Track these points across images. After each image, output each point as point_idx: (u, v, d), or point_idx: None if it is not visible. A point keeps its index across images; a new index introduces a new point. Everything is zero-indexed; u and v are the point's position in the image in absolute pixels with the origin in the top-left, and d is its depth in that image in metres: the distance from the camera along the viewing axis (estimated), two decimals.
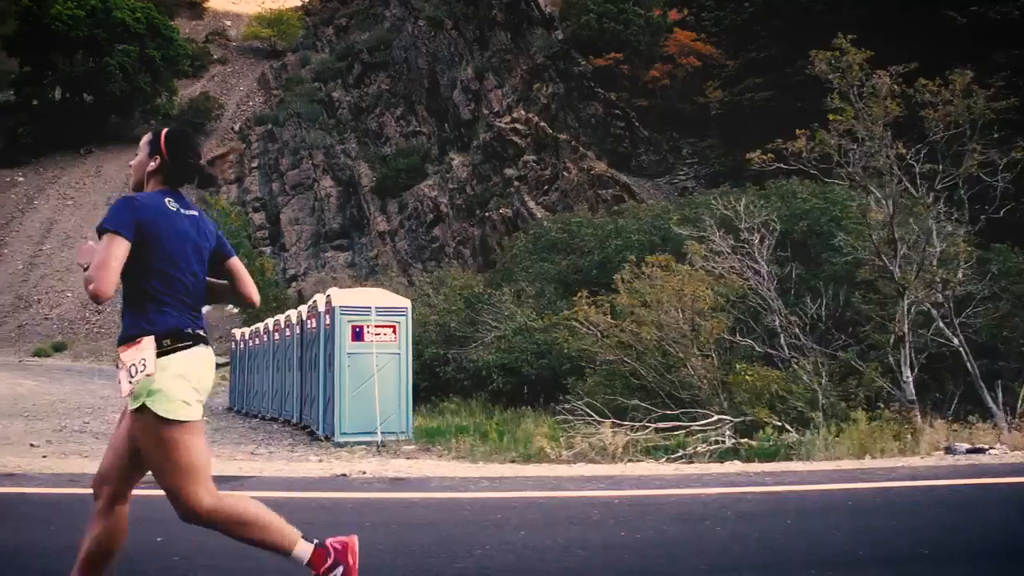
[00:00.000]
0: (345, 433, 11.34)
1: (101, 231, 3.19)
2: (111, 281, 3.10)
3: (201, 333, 3.31)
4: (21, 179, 49.04)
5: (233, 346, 20.89)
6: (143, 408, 3.09)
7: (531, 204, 28.67)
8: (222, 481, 6.61)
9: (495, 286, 16.84)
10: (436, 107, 41.86)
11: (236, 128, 53.20)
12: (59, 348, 35.51)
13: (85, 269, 3.17)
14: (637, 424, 9.19)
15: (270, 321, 17.44)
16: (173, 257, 3.27)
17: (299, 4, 66.76)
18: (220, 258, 3.57)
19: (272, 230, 42.21)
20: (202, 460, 3.18)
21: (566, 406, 9.84)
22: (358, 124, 44.92)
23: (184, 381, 3.16)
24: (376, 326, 11.53)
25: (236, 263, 3.65)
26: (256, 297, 3.71)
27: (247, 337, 19.65)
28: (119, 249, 3.14)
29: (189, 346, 3.20)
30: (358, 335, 11.49)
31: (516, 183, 29.64)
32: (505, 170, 30.45)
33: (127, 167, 3.76)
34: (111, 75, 48.81)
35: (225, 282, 3.66)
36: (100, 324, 38.79)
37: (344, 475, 7.59)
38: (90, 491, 3.30)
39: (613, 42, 35.59)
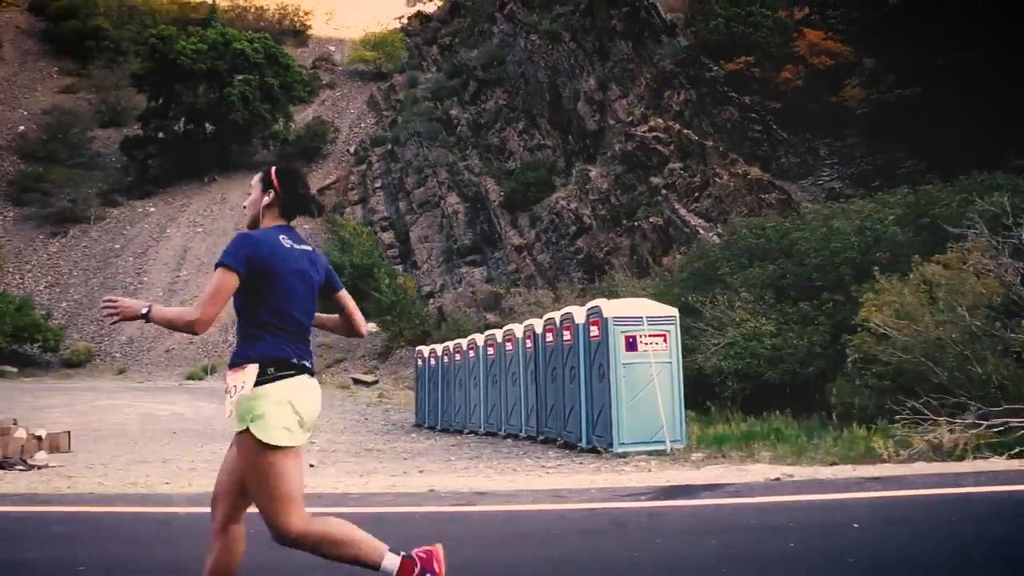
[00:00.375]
0: (624, 443, 11.41)
1: (219, 264, 3.36)
2: (212, 314, 3.29)
3: (307, 364, 3.43)
4: (152, 209, 50.66)
5: (420, 363, 21.16)
6: (246, 431, 3.23)
7: (682, 212, 28.58)
8: (553, 498, 6.62)
9: (704, 294, 16.77)
10: (559, 119, 42.06)
11: (351, 150, 54.23)
12: (209, 371, 36.49)
13: (141, 317, 3.33)
14: (967, 422, 9.08)
15: (478, 337, 17.68)
16: (286, 291, 3.42)
17: (398, 26, 68.01)
18: (330, 291, 3.72)
19: (402, 248, 42.81)
20: (295, 486, 3.28)
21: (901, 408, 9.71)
22: (479, 140, 45.38)
23: (287, 408, 3.28)
24: (649, 335, 11.60)
25: (345, 296, 3.81)
26: (364, 330, 3.85)
27: (439, 354, 19.91)
28: (228, 284, 3.33)
29: (293, 375, 3.32)
30: (632, 345, 11.58)
31: (664, 191, 29.56)
32: (651, 178, 30.42)
33: (244, 197, 3.86)
34: (233, 105, 50.20)
35: (335, 315, 3.83)
36: None
37: (727, 484, 7.64)
38: None
39: (743, 45, 35.34)
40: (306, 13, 69.70)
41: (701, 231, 27.75)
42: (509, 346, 15.81)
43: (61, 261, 47.30)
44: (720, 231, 27.33)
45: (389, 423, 21.88)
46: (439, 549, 3.45)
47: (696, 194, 29.01)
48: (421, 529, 6.10)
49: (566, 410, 13.03)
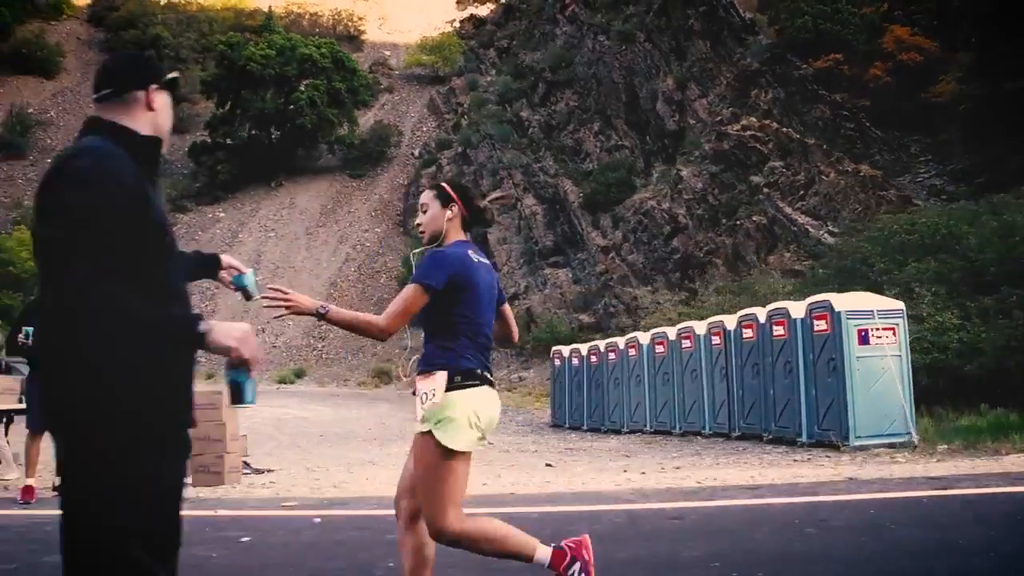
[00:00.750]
0: (860, 436, 11.40)
1: (412, 281, 3.43)
2: (398, 326, 3.40)
3: (489, 376, 3.53)
4: (222, 214, 51.10)
5: (559, 363, 21.23)
6: (428, 433, 3.35)
7: (787, 210, 28.51)
8: (853, 488, 6.35)
9: (852, 290, 16.72)
10: (635, 120, 42.08)
11: (416, 153, 54.49)
12: (299, 375, 36.73)
13: (317, 315, 3.39)
14: None
15: (642, 335, 17.73)
16: (477, 304, 3.51)
17: (451, 30, 68.27)
18: (498, 303, 3.79)
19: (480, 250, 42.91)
20: (463, 488, 3.41)
21: None
22: (551, 141, 45.46)
23: (471, 416, 3.38)
24: (881, 328, 11.61)
25: (507, 306, 3.92)
26: (516, 336, 3.96)
27: (583, 354, 19.98)
28: (419, 302, 3.42)
29: (477, 385, 3.42)
30: (864, 338, 11.59)
31: (766, 190, 29.52)
32: (751, 177, 30.38)
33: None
34: (301, 109, 50.60)
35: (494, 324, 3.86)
36: (325, 350, 40.02)
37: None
38: None
39: (829, 43, 35.23)
40: (360, 18, 70.01)
41: (811, 229, 27.69)
42: (687, 343, 15.82)
43: None
44: (833, 229, 27.28)
45: (525, 423, 21.99)
46: (587, 538, 3.59)
47: (801, 192, 28.93)
48: (733, 522, 6.14)
49: (777, 405, 13.02)
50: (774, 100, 34.82)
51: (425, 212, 3.70)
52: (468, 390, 3.43)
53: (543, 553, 3.48)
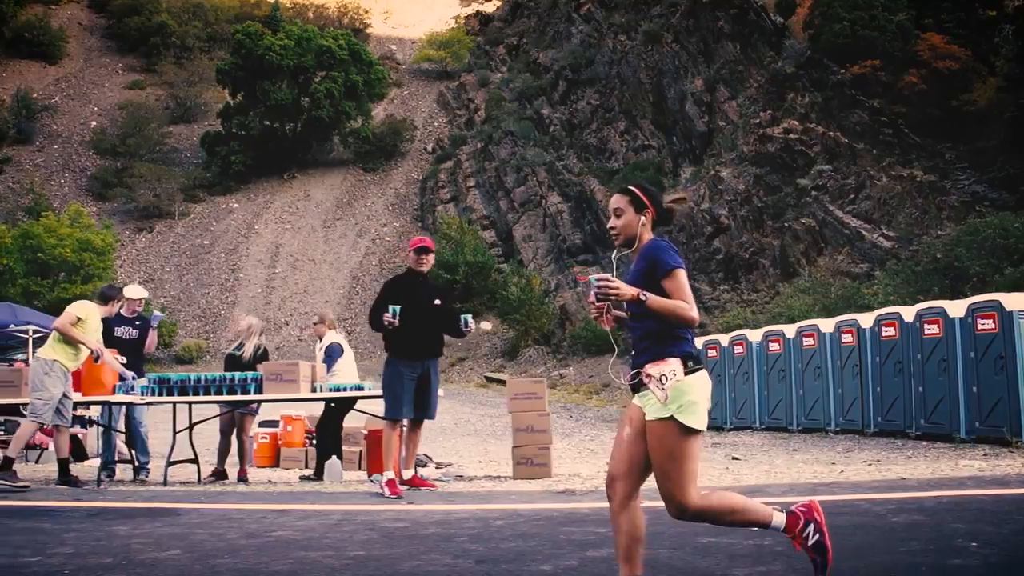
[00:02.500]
0: None
1: (674, 268, 3.58)
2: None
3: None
4: (236, 205, 50.62)
5: None
6: (668, 418, 3.46)
7: (838, 213, 28.81)
8: None
9: (944, 292, 17.01)
10: (662, 120, 42.27)
11: (428, 148, 54.33)
12: None
13: (638, 301, 3.50)
14: None
15: (751, 333, 17.85)
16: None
17: (456, 26, 68.11)
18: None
19: (505, 247, 42.86)
20: (699, 465, 3.59)
21: None
22: (574, 140, 45.56)
23: (706, 397, 3.57)
24: None
25: None
26: None
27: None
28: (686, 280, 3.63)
29: (700, 369, 3.59)
30: None
31: (814, 192, 29.81)
32: (798, 180, 30.66)
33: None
34: (319, 101, 50.28)
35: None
36: (354, 344, 39.74)
37: None
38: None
39: (865, 49, 35.61)
40: (365, 12, 69.68)
41: (864, 233, 28.01)
42: (809, 341, 15.97)
43: (151, 256, 47.23)
44: (888, 233, 27.60)
45: (608, 419, 22.05)
46: (816, 502, 3.77)
47: (851, 196, 29.24)
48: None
49: (928, 402, 13.19)
50: (812, 104, 35.12)
51: (619, 216, 3.81)
52: (700, 373, 3.57)
53: (779, 519, 3.65)
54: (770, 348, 17.06)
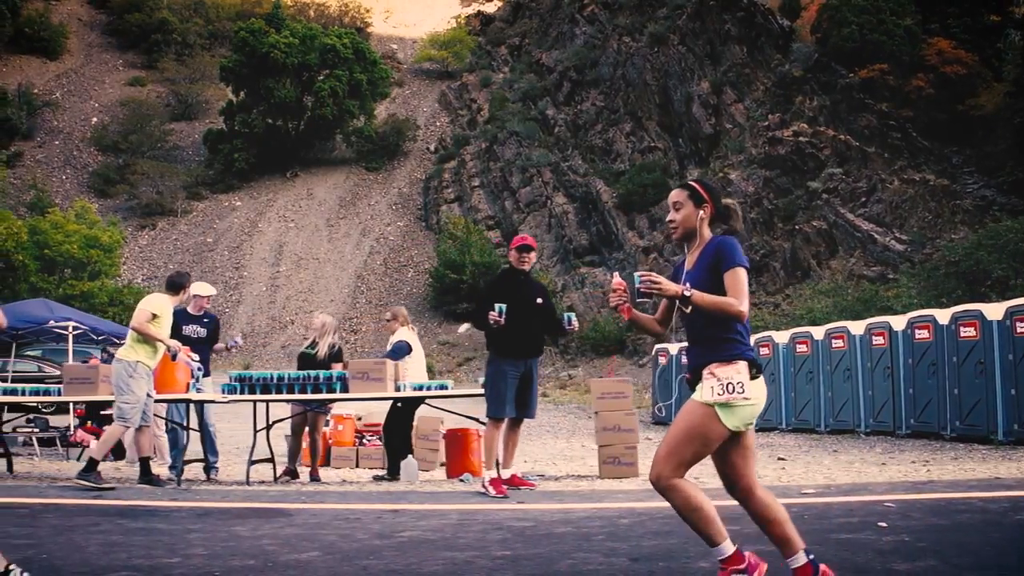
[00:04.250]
0: None
1: (738, 266, 3.70)
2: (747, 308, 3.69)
3: None
4: (239, 203, 50.58)
5: (664, 361, 21.38)
6: (711, 406, 3.57)
7: (849, 216, 29.06)
8: None
9: (966, 295, 17.24)
10: (668, 122, 42.46)
11: (431, 148, 54.38)
12: None
13: (682, 298, 3.62)
14: None
15: (778, 335, 18.01)
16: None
17: (455, 26, 68.19)
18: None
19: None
20: (700, 459, 3.62)
21: None
22: (579, 141, 45.70)
23: (756, 407, 3.63)
24: None
25: None
26: None
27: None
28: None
29: (760, 376, 3.68)
30: None
31: (825, 195, 30.05)
32: (809, 183, 30.90)
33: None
34: (323, 100, 50.28)
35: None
36: (358, 343, 39.87)
37: None
38: None
39: (873, 53, 35.90)
40: (366, 11, 69.65)
41: (876, 236, 28.26)
42: (838, 343, 16.17)
43: (154, 254, 47.18)
44: (901, 236, 27.86)
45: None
46: (764, 566, 3.70)
47: (862, 199, 29.49)
48: None
49: (964, 404, 13.40)
50: (820, 108, 35.38)
51: (678, 210, 3.91)
52: (757, 380, 3.64)
53: (727, 548, 3.59)
54: (797, 350, 17.25)
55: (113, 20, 65.37)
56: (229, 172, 51.23)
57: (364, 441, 12.79)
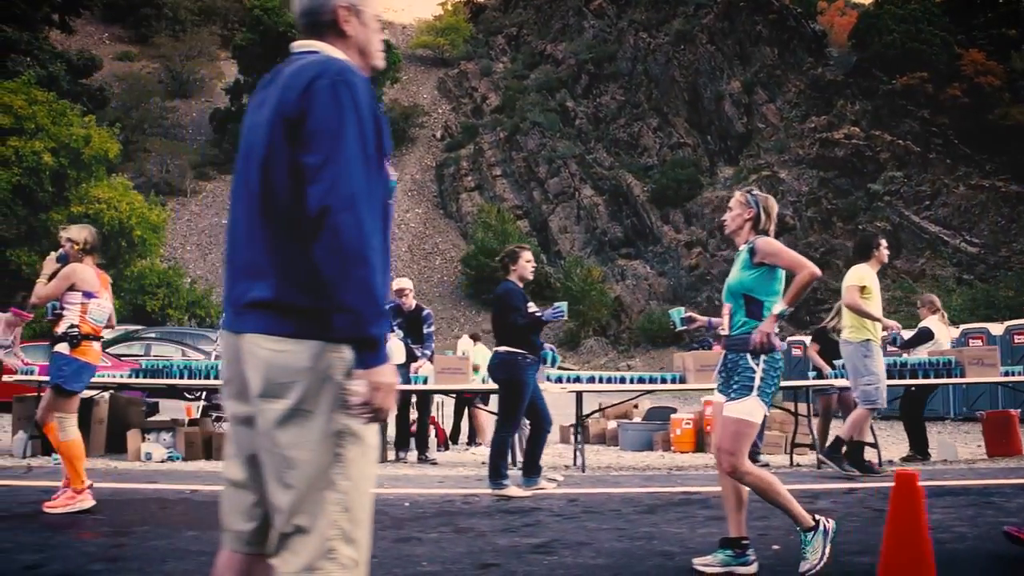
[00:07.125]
0: None
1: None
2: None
3: None
4: None
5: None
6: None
7: (915, 218, 30.18)
8: None
9: None
10: (697, 119, 43.28)
11: (437, 135, 54.22)
12: None
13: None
14: None
15: None
16: None
17: (447, 12, 68.06)
18: None
19: (540, 237, 43.21)
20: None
21: None
22: (601, 134, 46.19)
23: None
24: None
25: None
26: None
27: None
28: None
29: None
30: None
31: (887, 197, 31.16)
32: (869, 184, 31.97)
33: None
34: None
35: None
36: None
37: None
38: None
39: (911, 61, 37.22)
40: None
41: (946, 238, 29.44)
42: (976, 343, 17.06)
43: (169, 235, 46.00)
44: (973, 239, 29.09)
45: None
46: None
47: (927, 202, 30.67)
48: None
49: None
50: (862, 112, 36.54)
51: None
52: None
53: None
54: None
55: None
56: (236, 152, 50.24)
57: None
